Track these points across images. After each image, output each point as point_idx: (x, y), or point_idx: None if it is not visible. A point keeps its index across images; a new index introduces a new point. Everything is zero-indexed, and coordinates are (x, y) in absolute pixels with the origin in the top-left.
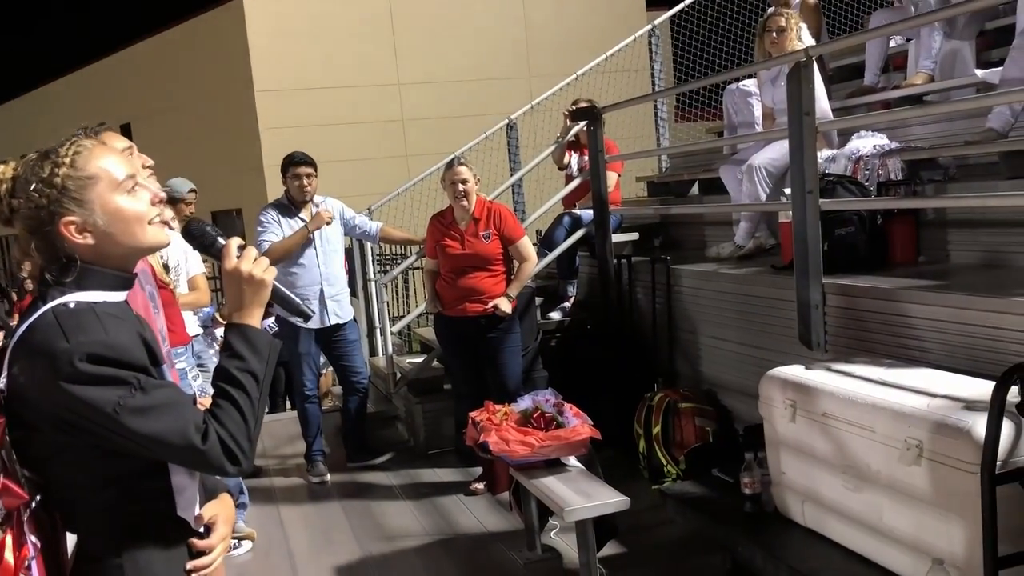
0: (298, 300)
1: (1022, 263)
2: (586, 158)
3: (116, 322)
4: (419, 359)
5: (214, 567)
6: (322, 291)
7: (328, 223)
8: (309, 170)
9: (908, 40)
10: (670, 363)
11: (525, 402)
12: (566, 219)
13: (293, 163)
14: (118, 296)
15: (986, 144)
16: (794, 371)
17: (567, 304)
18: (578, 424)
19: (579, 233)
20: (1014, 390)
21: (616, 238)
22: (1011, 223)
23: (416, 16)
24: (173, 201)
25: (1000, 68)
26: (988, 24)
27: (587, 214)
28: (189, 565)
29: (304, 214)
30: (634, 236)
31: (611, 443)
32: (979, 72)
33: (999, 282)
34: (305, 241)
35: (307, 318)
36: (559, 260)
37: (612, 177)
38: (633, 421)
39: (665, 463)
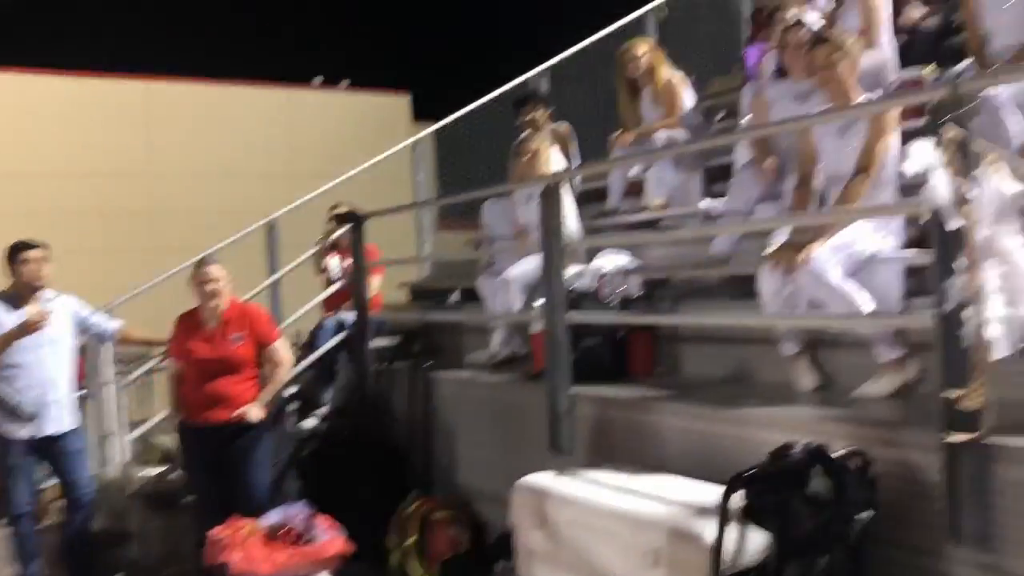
0: (14, 400)
1: (747, 375)
2: (348, 261)
3: None
4: (158, 470)
5: None
6: (43, 395)
7: (40, 328)
8: (41, 253)
9: (645, 170)
10: (427, 471)
11: (274, 516)
12: (329, 322)
13: (22, 248)
14: None
15: (711, 267)
16: (542, 480)
17: (323, 410)
18: (328, 539)
19: (338, 337)
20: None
21: (377, 343)
22: (737, 340)
23: (171, 106)
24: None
25: (724, 199)
26: (714, 161)
27: (352, 317)
28: None
29: (31, 307)
30: (395, 340)
31: (365, 555)
32: (703, 203)
33: (729, 393)
34: (16, 340)
35: (30, 418)
36: (317, 365)
37: (375, 281)
38: (388, 532)
39: (421, 574)
